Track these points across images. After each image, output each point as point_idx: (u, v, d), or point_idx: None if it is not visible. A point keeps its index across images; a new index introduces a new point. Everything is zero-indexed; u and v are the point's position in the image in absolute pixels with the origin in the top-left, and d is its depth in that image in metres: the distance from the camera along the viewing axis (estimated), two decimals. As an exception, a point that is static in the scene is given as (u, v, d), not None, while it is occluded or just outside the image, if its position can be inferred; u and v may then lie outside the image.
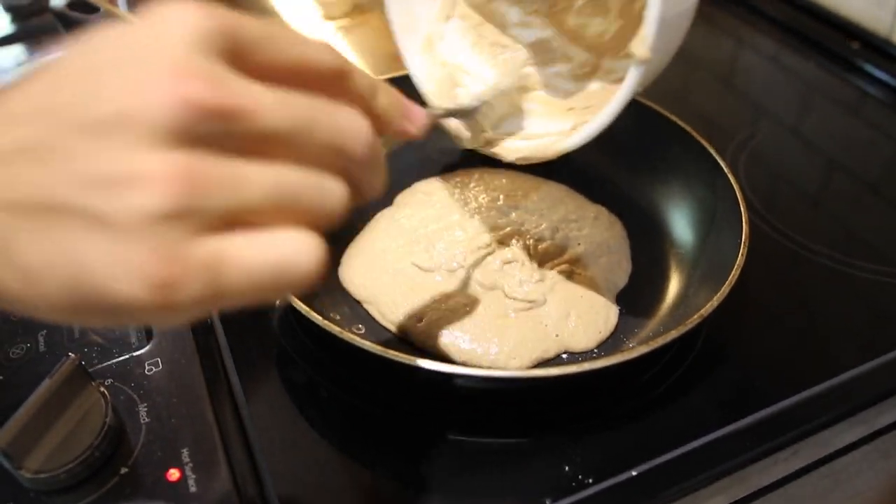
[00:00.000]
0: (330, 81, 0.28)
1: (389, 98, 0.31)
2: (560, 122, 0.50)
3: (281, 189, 0.24)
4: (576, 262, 0.55)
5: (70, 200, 0.22)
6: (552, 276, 0.53)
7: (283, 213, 0.25)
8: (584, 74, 0.53)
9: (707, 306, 0.43)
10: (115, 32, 0.25)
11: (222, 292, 0.23)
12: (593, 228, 0.58)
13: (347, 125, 0.27)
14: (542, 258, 0.54)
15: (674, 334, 0.42)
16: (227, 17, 0.25)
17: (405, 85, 0.63)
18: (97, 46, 0.24)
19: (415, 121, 0.33)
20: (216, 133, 0.23)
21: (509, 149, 0.50)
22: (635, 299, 0.53)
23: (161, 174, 0.22)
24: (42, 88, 0.24)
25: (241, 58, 0.25)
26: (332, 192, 0.26)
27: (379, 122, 0.30)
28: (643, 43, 0.39)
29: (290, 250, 0.24)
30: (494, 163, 0.64)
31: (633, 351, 0.41)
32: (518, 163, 0.50)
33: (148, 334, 0.48)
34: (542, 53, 0.56)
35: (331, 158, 0.26)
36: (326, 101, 0.26)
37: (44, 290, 0.23)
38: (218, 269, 0.23)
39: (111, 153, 0.22)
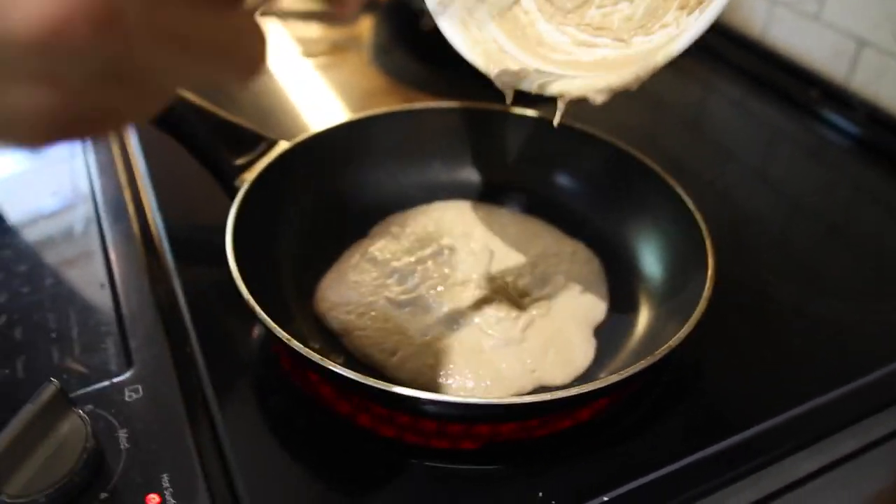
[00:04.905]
0: None
1: None
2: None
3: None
4: (554, 297, 0.56)
5: None
6: (530, 312, 0.54)
7: None
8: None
9: (675, 338, 0.45)
10: None
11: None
12: (572, 264, 0.59)
13: (239, 49, 0.26)
14: (521, 293, 0.56)
15: (642, 364, 0.43)
16: None
17: (379, 123, 0.66)
18: None
19: None
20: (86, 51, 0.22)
21: (590, 86, 0.45)
22: (607, 332, 0.55)
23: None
24: None
25: None
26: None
27: None
28: None
29: None
30: (470, 197, 0.67)
31: (603, 381, 0.42)
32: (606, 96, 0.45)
33: (128, 361, 0.48)
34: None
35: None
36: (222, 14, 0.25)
37: None
38: None
39: None
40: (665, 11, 0.49)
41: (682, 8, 0.49)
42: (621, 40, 0.51)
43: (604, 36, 0.52)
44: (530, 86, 0.48)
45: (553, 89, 0.47)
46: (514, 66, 0.49)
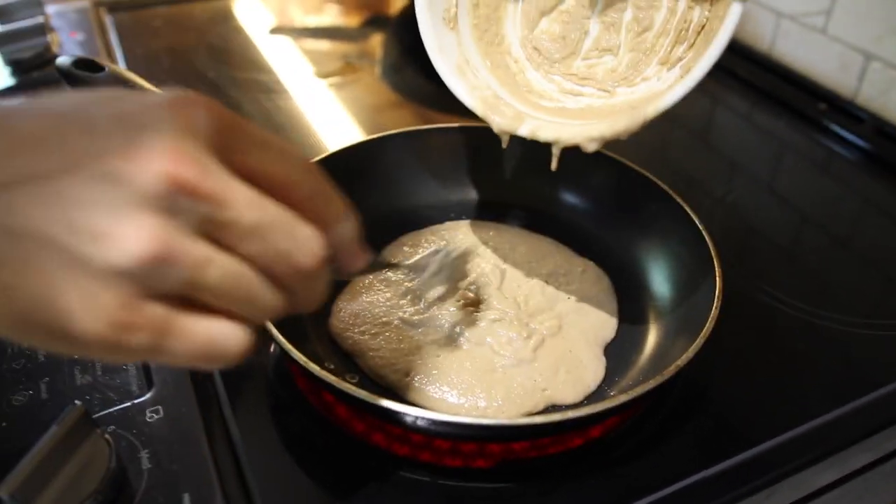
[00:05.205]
0: (305, 202, 0.32)
1: (349, 235, 0.36)
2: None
3: (233, 283, 0.29)
4: (565, 316, 0.57)
5: (59, 238, 0.26)
6: (541, 331, 0.55)
7: (225, 302, 0.29)
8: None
9: (683, 356, 0.46)
10: (138, 97, 0.29)
11: (161, 350, 0.28)
12: (582, 283, 0.60)
13: (303, 239, 0.31)
14: (532, 313, 0.56)
15: (652, 384, 0.44)
16: (232, 120, 0.30)
17: (390, 143, 0.67)
18: (119, 103, 0.28)
19: (355, 262, 0.37)
20: (192, 211, 0.27)
21: (582, 134, 0.47)
22: (616, 349, 0.55)
23: (136, 237, 0.26)
24: (55, 121, 0.27)
25: (231, 157, 0.29)
26: (271, 299, 0.31)
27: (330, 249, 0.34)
28: None
29: (222, 338, 0.30)
30: (481, 216, 0.68)
31: (613, 400, 0.43)
32: (598, 145, 0.48)
33: (149, 382, 0.50)
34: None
35: (280, 265, 0.30)
36: (293, 214, 0.31)
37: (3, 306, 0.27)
38: (164, 331, 0.28)
39: (102, 206, 0.26)
40: (646, 65, 0.52)
41: (662, 63, 0.51)
42: (605, 90, 0.53)
43: (588, 86, 0.54)
44: (525, 132, 0.50)
45: (546, 136, 0.49)
46: (508, 112, 0.52)
